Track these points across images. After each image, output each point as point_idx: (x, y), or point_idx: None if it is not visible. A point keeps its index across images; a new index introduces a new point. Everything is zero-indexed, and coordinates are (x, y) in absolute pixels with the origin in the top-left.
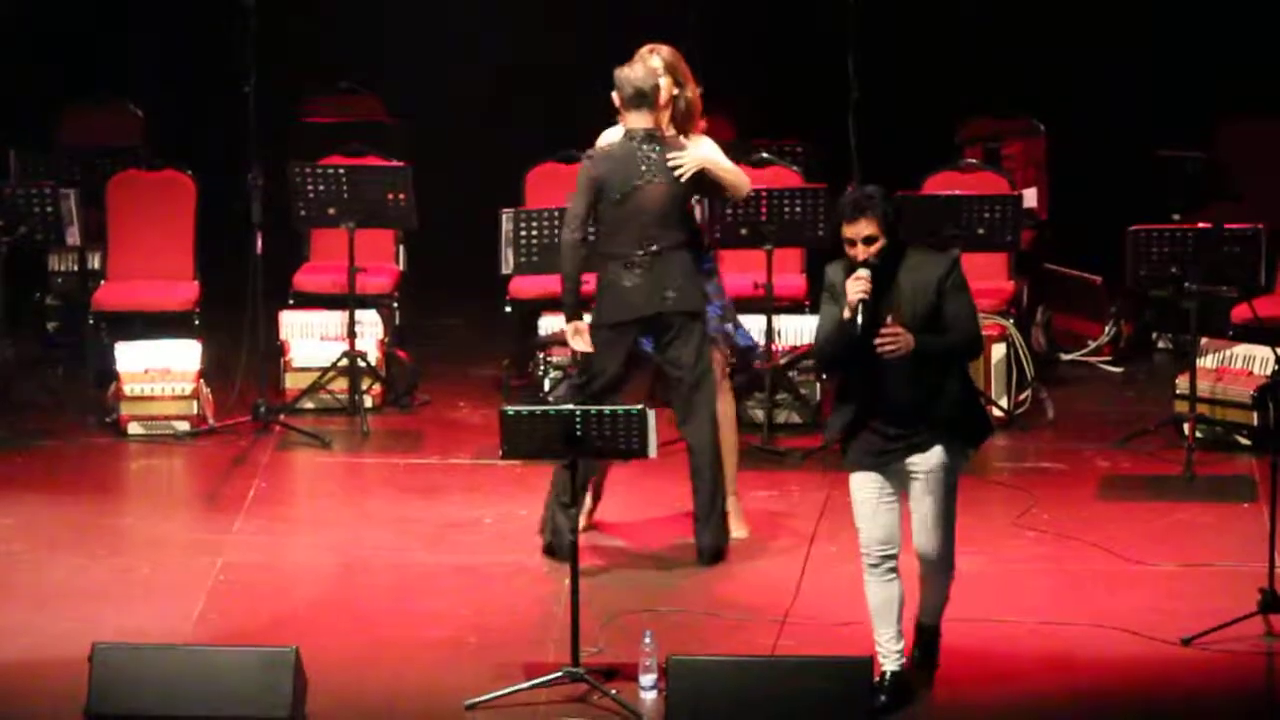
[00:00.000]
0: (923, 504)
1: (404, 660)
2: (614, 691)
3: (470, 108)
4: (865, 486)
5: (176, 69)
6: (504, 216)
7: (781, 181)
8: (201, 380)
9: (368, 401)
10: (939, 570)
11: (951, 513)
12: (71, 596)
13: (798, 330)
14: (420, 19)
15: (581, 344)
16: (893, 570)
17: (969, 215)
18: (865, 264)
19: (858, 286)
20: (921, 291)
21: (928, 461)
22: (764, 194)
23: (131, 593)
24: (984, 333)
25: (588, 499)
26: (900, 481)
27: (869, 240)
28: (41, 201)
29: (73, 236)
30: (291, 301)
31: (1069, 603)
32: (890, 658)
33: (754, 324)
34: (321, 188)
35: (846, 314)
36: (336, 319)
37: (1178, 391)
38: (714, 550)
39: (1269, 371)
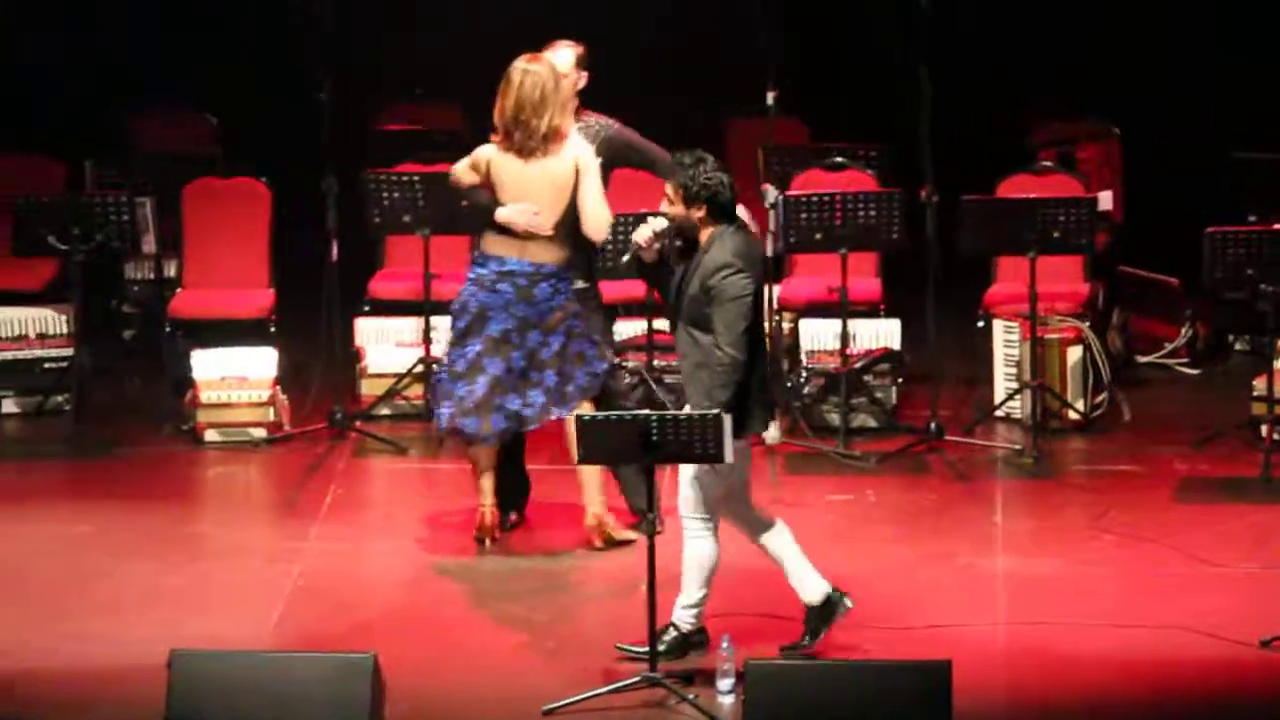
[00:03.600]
0: None
1: (482, 666)
2: (692, 696)
3: None
4: None
5: (251, 77)
6: None
7: (856, 185)
8: (278, 387)
9: None
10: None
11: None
12: (149, 603)
13: (872, 334)
14: (497, 26)
15: None
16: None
17: (1044, 219)
18: (661, 216)
19: (639, 232)
20: (700, 273)
21: None
22: (839, 198)
23: (209, 600)
24: (1060, 335)
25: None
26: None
27: (670, 201)
28: (117, 210)
29: (148, 244)
30: (367, 308)
31: (1146, 605)
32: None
33: (829, 328)
34: (396, 195)
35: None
36: (412, 325)
37: (1255, 393)
38: None
39: None
